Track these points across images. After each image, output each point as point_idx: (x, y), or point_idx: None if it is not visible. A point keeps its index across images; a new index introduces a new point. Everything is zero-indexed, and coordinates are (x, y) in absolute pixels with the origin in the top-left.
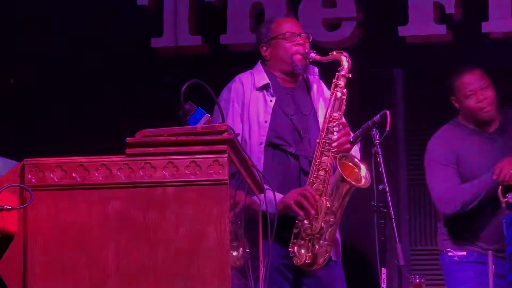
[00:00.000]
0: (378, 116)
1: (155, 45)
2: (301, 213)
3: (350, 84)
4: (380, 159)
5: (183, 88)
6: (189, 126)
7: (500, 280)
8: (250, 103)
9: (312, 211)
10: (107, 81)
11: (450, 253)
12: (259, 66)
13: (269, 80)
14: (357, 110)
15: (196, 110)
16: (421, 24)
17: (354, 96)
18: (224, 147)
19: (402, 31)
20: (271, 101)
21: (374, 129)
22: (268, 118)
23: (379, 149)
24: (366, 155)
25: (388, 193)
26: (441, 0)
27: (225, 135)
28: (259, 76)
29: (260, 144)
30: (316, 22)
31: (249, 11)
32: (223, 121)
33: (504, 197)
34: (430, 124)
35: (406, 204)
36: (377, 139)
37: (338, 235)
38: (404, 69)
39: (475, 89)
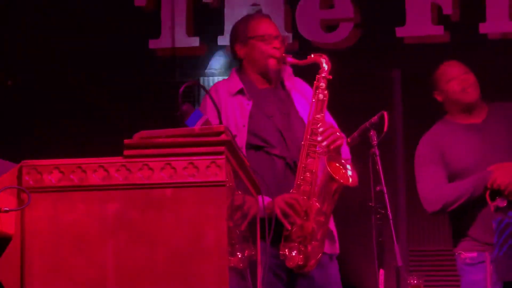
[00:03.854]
0: (376, 117)
1: (152, 46)
2: (288, 226)
3: (348, 84)
4: (378, 160)
5: (181, 90)
6: (186, 128)
7: None
8: (226, 109)
9: (298, 221)
10: (105, 82)
11: (462, 255)
12: (233, 72)
13: (245, 84)
14: (354, 111)
15: (193, 112)
16: (418, 25)
17: (352, 97)
18: (222, 148)
19: (400, 32)
20: (248, 105)
21: (371, 130)
22: (246, 122)
23: (377, 150)
24: (364, 156)
25: (386, 194)
26: (439, 1)
27: (222, 137)
28: (233, 82)
29: (241, 148)
30: (313, 23)
31: (246, 12)
32: (221, 122)
33: (493, 200)
34: (428, 125)
35: (404, 205)
36: (374, 140)
37: (334, 228)
38: (402, 70)
39: (456, 74)
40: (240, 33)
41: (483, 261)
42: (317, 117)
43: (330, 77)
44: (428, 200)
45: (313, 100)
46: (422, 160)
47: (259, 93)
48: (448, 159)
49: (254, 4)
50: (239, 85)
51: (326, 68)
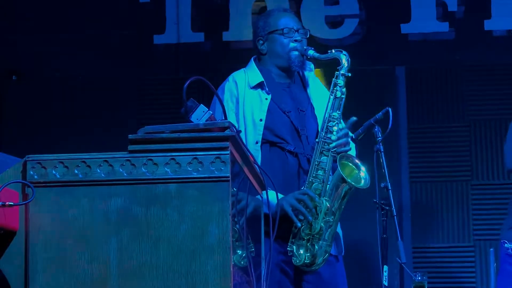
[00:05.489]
0: (380, 113)
1: (157, 42)
2: (297, 223)
3: (353, 81)
4: (382, 156)
5: (186, 85)
6: (191, 123)
7: None
8: (244, 102)
9: (310, 218)
10: (110, 78)
11: (505, 245)
12: (252, 64)
13: (264, 77)
14: (359, 108)
15: (198, 107)
16: (423, 21)
17: (357, 93)
18: (226, 143)
19: (405, 28)
20: (266, 99)
21: (376, 127)
22: (263, 117)
23: (381, 147)
24: (368, 153)
25: (390, 191)
26: None
27: (227, 132)
28: (253, 74)
29: (256, 142)
30: (318, 19)
31: (251, 8)
32: (226, 117)
33: None
34: (432, 122)
35: (408, 201)
36: (379, 137)
37: (339, 230)
38: (407, 67)
39: None
40: (260, 28)
41: None
42: (333, 115)
43: (349, 74)
44: (510, 156)
45: (331, 97)
46: None
47: (277, 88)
48: None
49: (258, 0)
50: (259, 77)
51: (345, 65)
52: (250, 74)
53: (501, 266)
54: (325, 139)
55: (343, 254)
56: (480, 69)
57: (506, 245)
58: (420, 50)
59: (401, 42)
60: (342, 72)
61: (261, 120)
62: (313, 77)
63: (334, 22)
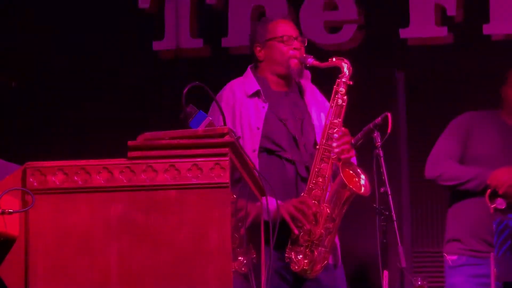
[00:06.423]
0: (380, 118)
1: (156, 48)
2: (295, 231)
3: (352, 86)
4: (382, 161)
5: (185, 91)
6: (190, 129)
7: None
8: (241, 110)
9: (307, 226)
10: (109, 84)
11: (447, 257)
12: (249, 72)
13: (260, 85)
14: (358, 113)
15: (197, 113)
16: (422, 26)
17: (356, 98)
18: (226, 150)
19: (404, 33)
20: (263, 107)
21: (375, 132)
22: (260, 125)
23: (381, 152)
24: (368, 158)
25: (390, 196)
26: (443, 2)
27: (226, 138)
28: (249, 83)
29: (254, 151)
30: (317, 25)
31: (250, 14)
32: (225, 123)
33: (492, 202)
34: (432, 127)
35: (407, 206)
36: (378, 142)
37: (337, 240)
38: (406, 71)
39: None
40: (259, 35)
41: (461, 265)
42: (334, 122)
43: (351, 82)
44: (430, 164)
45: (332, 104)
46: (448, 131)
47: (274, 96)
48: (470, 144)
49: (258, 5)
50: (256, 86)
51: (347, 73)
52: (246, 83)
53: (446, 280)
54: (325, 146)
55: (339, 263)
56: (479, 73)
57: (447, 258)
58: (419, 54)
59: (400, 47)
60: (343, 80)
61: (258, 128)
62: (310, 85)
63: (333, 27)
